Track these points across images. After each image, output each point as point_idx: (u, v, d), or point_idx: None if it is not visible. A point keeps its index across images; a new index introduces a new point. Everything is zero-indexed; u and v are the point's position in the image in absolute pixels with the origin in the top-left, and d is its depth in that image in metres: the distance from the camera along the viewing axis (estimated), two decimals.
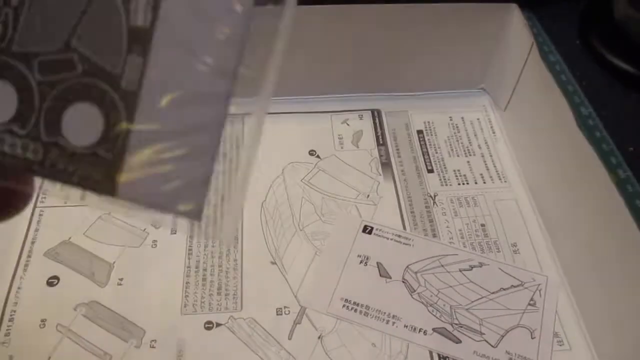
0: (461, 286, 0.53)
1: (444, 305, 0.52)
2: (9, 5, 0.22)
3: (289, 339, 0.49)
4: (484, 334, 0.50)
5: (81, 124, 0.23)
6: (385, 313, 0.51)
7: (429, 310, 0.51)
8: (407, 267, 0.54)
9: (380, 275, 0.54)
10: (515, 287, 0.53)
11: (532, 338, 0.50)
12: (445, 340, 0.50)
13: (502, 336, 0.50)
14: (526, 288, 0.53)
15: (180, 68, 0.22)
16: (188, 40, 0.22)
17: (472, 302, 0.52)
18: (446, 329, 0.50)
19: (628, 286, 0.46)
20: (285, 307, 0.51)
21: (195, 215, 0.23)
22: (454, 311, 0.51)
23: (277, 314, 0.51)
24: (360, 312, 0.51)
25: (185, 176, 0.23)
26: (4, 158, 0.23)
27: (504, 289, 0.53)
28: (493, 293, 0.52)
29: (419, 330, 0.50)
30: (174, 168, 0.23)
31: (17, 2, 0.22)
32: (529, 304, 0.52)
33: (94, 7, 0.22)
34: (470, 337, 0.50)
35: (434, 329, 0.50)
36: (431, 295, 0.52)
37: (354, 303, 0.52)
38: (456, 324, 0.51)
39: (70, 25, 0.22)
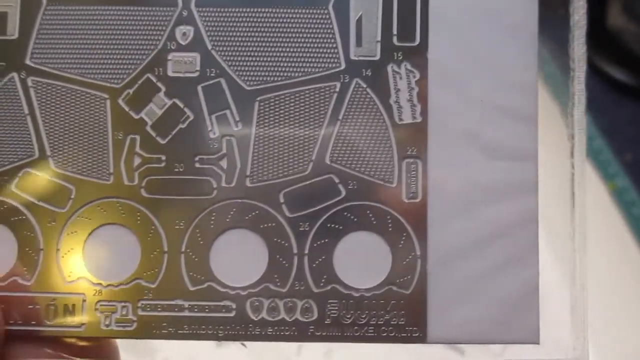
0: None
1: None
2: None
3: None
4: None
5: (359, 260, 0.18)
6: None
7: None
8: None
9: None
10: None
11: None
12: None
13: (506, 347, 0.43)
14: None
15: (470, 162, 0.18)
16: (472, 127, 0.18)
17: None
18: None
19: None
20: None
21: (529, 337, 0.18)
22: None
23: None
24: None
25: (504, 293, 0.18)
26: (265, 330, 0.18)
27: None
28: None
29: None
30: (488, 285, 0.18)
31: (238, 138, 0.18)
32: None
33: (346, 112, 0.18)
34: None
35: None
36: None
37: None
38: None
39: (319, 138, 0.18)
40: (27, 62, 0.18)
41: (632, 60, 0.57)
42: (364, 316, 0.18)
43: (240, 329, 0.18)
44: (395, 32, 0.18)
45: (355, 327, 0.18)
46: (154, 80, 0.18)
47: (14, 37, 0.18)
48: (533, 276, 0.18)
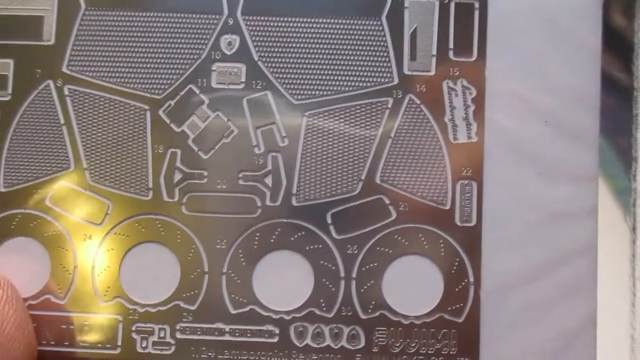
0: None
1: None
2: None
3: None
4: None
5: (410, 286, 0.17)
6: None
7: None
8: None
9: None
10: None
11: None
12: None
13: None
14: None
15: (528, 185, 0.17)
16: (530, 148, 0.17)
17: None
18: None
19: None
20: None
21: None
22: None
23: None
24: None
25: (560, 323, 0.17)
26: (309, 357, 0.17)
27: None
28: None
29: None
30: (543, 315, 0.17)
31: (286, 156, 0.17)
32: None
33: (398, 129, 0.17)
34: None
35: None
36: None
37: None
38: None
39: (369, 156, 0.17)
40: (64, 69, 0.17)
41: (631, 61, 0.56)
42: (413, 345, 0.17)
43: (283, 355, 0.17)
44: (451, 46, 0.17)
45: (404, 357, 0.17)
46: (197, 91, 0.17)
47: (50, 42, 0.18)
48: (591, 306, 0.17)
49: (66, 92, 0.17)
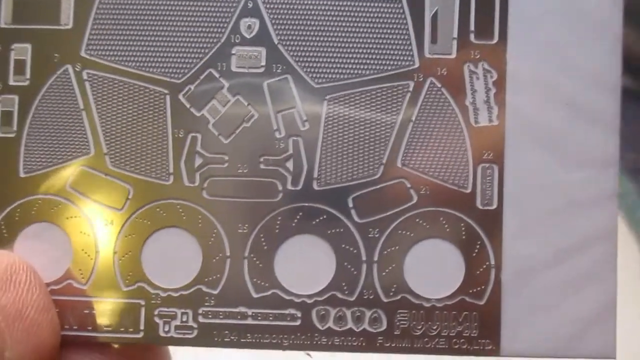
0: None
1: None
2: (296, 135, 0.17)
3: None
4: None
5: (431, 269, 0.17)
6: None
7: None
8: None
9: None
10: None
11: None
12: None
13: None
14: None
15: (548, 169, 0.17)
16: (551, 132, 0.17)
17: None
18: None
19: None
20: None
21: (605, 351, 0.17)
22: None
23: None
24: None
25: (580, 306, 0.17)
26: (331, 340, 0.17)
27: None
28: None
29: None
30: (564, 298, 0.17)
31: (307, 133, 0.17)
32: None
33: (419, 113, 0.17)
34: None
35: None
36: None
37: None
38: None
39: (390, 140, 0.17)
40: (82, 53, 0.17)
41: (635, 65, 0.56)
42: (435, 327, 0.17)
43: (305, 339, 0.17)
44: (472, 29, 0.17)
45: (426, 339, 0.17)
46: (217, 75, 0.17)
47: (68, 26, 0.17)
48: (611, 290, 0.17)
49: (85, 77, 0.17)
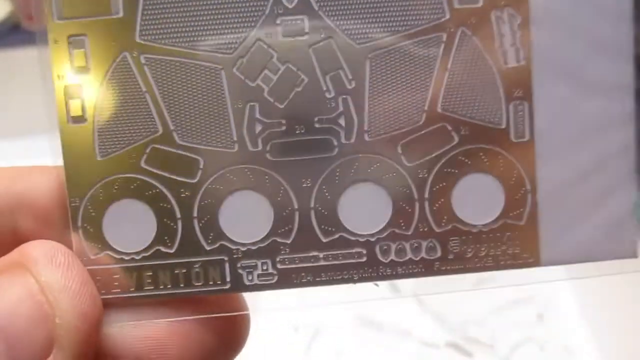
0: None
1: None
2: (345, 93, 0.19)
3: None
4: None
5: (476, 199, 0.19)
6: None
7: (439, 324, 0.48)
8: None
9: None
10: (524, 299, 0.50)
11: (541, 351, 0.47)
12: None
13: (513, 349, 0.47)
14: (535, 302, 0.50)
15: (571, 100, 0.19)
16: (572, 66, 0.19)
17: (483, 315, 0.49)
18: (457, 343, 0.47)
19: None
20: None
21: (628, 252, 0.20)
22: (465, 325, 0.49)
23: None
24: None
25: (605, 216, 0.20)
26: (395, 270, 0.19)
27: (514, 302, 0.49)
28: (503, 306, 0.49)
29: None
30: (591, 211, 0.20)
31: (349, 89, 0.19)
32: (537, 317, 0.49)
33: (454, 61, 0.19)
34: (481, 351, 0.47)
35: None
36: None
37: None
38: (467, 338, 0.48)
39: (430, 88, 0.19)
40: (137, 39, 0.18)
41: None
42: (483, 249, 0.19)
43: (372, 272, 0.19)
44: None
45: (476, 259, 0.19)
46: (265, 46, 0.19)
47: (119, 15, 0.18)
48: (628, 199, 0.19)
49: (143, 61, 0.19)
